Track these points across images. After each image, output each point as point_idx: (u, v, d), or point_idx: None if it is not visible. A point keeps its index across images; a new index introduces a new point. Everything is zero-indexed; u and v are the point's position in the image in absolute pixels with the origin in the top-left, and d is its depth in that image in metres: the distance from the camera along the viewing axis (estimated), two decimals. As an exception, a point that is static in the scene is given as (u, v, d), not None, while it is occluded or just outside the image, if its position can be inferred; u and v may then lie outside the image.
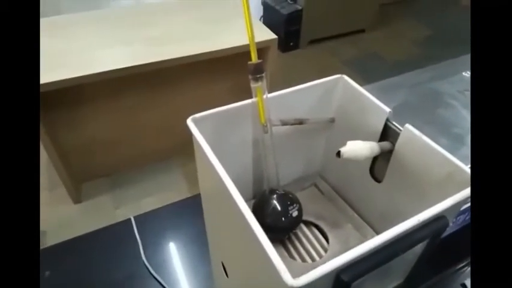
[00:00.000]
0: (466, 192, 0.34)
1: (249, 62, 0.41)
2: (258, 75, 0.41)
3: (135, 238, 0.70)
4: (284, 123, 0.46)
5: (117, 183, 1.79)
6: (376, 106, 0.44)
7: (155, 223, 0.76)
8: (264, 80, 0.42)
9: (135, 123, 1.73)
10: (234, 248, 0.42)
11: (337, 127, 0.52)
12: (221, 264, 0.52)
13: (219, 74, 1.73)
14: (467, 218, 0.55)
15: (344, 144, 0.42)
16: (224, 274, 0.52)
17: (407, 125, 0.41)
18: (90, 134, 1.66)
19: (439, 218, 0.34)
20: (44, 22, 1.61)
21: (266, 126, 0.44)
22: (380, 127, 0.44)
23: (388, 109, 0.43)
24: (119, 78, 1.37)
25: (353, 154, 0.41)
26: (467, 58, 0.56)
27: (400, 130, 0.42)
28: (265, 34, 1.55)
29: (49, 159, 1.47)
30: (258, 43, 1.24)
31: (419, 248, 0.37)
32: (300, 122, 0.47)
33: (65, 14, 1.71)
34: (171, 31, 1.57)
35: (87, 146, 1.68)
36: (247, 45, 0.41)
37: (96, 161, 1.74)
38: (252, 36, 0.40)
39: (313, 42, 2.93)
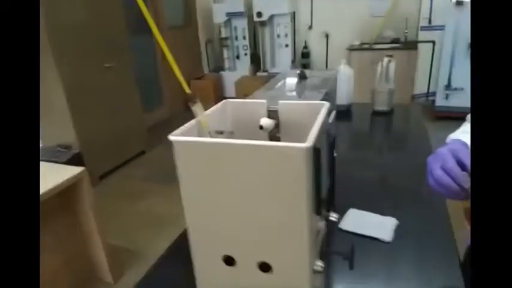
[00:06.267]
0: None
1: (187, 94, 0.62)
2: (193, 101, 0.63)
3: None
4: (219, 132, 0.68)
5: None
6: (258, 103, 0.72)
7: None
8: (199, 103, 0.63)
9: None
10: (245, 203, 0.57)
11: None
12: (222, 261, 0.62)
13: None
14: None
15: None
16: (226, 267, 0.62)
17: (280, 101, 0.71)
18: None
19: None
20: None
21: (209, 132, 0.64)
22: (265, 113, 0.73)
23: (264, 100, 0.72)
24: None
25: (268, 123, 0.68)
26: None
27: (277, 108, 0.72)
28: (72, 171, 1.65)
29: None
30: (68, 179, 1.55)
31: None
32: (221, 132, 0.70)
33: None
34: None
35: None
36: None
37: None
38: (182, 79, 0.62)
39: (103, 176, 3.02)
